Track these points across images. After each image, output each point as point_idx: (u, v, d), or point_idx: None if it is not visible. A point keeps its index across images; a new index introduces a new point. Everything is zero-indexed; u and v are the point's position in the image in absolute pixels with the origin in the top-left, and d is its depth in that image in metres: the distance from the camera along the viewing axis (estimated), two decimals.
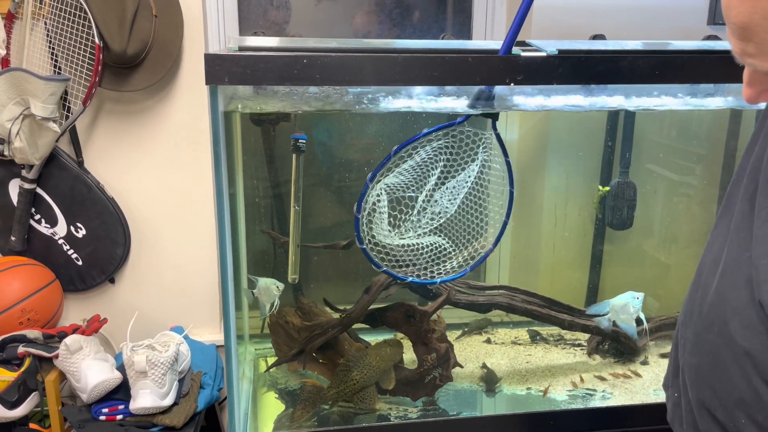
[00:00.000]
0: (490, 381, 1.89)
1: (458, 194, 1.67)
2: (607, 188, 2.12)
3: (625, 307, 1.82)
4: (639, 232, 2.21)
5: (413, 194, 1.67)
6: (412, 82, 1.45)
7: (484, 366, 1.94)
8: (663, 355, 2.04)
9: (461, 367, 1.86)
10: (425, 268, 1.70)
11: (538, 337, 2.14)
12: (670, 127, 2.24)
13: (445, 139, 1.64)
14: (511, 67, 1.43)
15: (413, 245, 1.69)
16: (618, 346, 2.03)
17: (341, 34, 2.38)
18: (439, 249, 1.70)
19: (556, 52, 1.47)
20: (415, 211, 1.68)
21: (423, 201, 1.67)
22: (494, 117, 1.61)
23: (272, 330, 1.90)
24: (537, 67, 1.43)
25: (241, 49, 1.60)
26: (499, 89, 1.62)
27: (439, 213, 1.68)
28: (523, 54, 1.46)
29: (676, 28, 2.19)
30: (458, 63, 1.42)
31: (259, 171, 2.02)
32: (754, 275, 0.87)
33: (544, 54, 1.46)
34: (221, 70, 1.35)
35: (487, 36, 2.33)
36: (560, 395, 1.85)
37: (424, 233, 1.69)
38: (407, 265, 1.69)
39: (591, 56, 1.46)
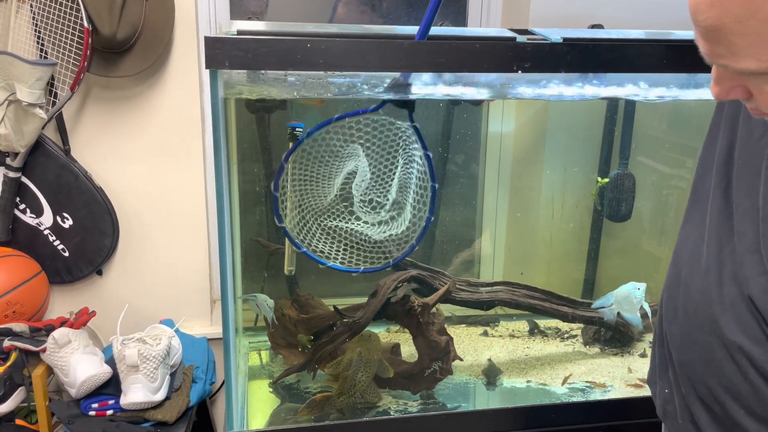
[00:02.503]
0: (491, 374, 1.87)
1: (388, 187, 1.66)
2: (606, 180, 2.11)
3: (627, 297, 1.81)
4: (638, 224, 2.20)
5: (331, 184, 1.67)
6: (417, 69, 1.41)
7: (489, 360, 1.92)
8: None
9: (461, 360, 1.84)
10: (349, 256, 1.69)
11: (536, 330, 2.13)
12: (670, 118, 2.23)
13: (360, 128, 1.62)
14: (518, 55, 1.39)
15: (342, 229, 1.68)
16: (616, 336, 2.02)
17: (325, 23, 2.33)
18: (366, 238, 1.69)
19: (561, 41, 1.45)
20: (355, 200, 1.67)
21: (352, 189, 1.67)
22: (410, 108, 1.59)
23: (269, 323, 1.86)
24: (545, 55, 1.41)
25: (239, 33, 1.55)
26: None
27: (371, 204, 1.67)
28: (530, 41, 1.43)
29: (671, 19, 2.18)
30: (465, 50, 1.38)
31: (254, 159, 1.98)
32: (739, 271, 0.88)
33: (550, 42, 1.43)
34: (221, 54, 1.30)
35: (482, 23, 2.30)
36: (560, 388, 1.84)
37: (355, 220, 1.69)
38: (335, 251, 1.68)
39: (599, 44, 1.43)
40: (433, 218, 1.71)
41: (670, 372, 1.03)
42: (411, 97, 1.62)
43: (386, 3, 2.31)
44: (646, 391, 1.82)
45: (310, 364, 1.76)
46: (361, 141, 1.63)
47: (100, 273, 2.07)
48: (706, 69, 1.51)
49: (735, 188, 0.91)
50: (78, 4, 1.76)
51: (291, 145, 1.86)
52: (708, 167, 0.98)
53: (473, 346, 2.04)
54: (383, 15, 2.32)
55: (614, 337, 2.02)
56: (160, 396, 1.71)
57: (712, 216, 0.95)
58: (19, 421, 1.81)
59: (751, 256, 0.86)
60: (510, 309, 1.97)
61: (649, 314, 1.83)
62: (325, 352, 1.75)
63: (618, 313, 1.85)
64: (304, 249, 1.68)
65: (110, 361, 1.77)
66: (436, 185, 1.67)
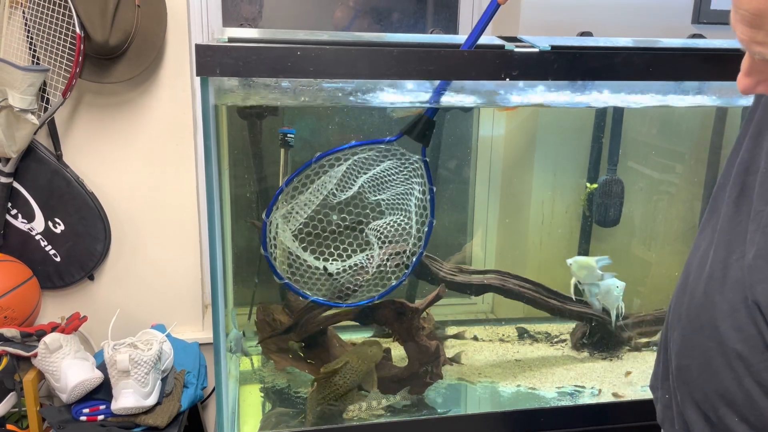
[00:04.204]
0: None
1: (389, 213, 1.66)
2: (595, 185, 2.13)
3: (609, 291, 1.89)
4: (626, 229, 2.22)
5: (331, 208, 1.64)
6: (407, 76, 1.42)
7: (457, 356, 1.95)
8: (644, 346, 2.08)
9: (451, 364, 1.85)
10: (337, 292, 1.67)
11: (525, 334, 2.14)
12: (658, 124, 2.25)
13: (370, 154, 1.62)
14: (506, 62, 1.41)
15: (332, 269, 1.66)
16: (604, 340, 2.03)
17: (320, 28, 2.35)
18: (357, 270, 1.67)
19: (549, 48, 1.46)
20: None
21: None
22: (425, 143, 1.60)
23: (259, 328, 1.86)
24: (533, 63, 1.42)
25: (230, 40, 1.56)
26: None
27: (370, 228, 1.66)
28: (518, 50, 1.44)
29: (660, 27, 2.20)
30: (454, 57, 1.40)
31: (246, 165, 1.98)
32: (747, 277, 0.88)
33: (538, 50, 1.45)
34: (212, 61, 1.31)
35: None
36: (549, 392, 1.85)
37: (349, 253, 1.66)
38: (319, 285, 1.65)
39: (586, 52, 1.45)
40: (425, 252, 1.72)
41: (670, 378, 1.04)
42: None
43: (384, 9, 2.33)
44: (635, 395, 1.84)
45: (295, 327, 1.77)
46: (368, 167, 1.62)
47: (91, 278, 2.07)
48: (691, 77, 1.54)
49: (756, 195, 0.91)
50: (70, 11, 1.77)
51: (282, 151, 1.88)
52: (728, 176, 0.98)
53: (463, 351, 2.05)
54: (388, 23, 2.34)
55: (602, 341, 2.04)
56: (151, 401, 1.71)
57: (722, 222, 0.95)
58: (10, 427, 1.80)
59: (761, 262, 0.86)
60: (497, 312, 1.98)
61: (620, 315, 1.90)
62: (314, 323, 1.76)
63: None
64: (285, 281, 1.65)
65: (101, 366, 1.77)
66: (434, 220, 1.69)
